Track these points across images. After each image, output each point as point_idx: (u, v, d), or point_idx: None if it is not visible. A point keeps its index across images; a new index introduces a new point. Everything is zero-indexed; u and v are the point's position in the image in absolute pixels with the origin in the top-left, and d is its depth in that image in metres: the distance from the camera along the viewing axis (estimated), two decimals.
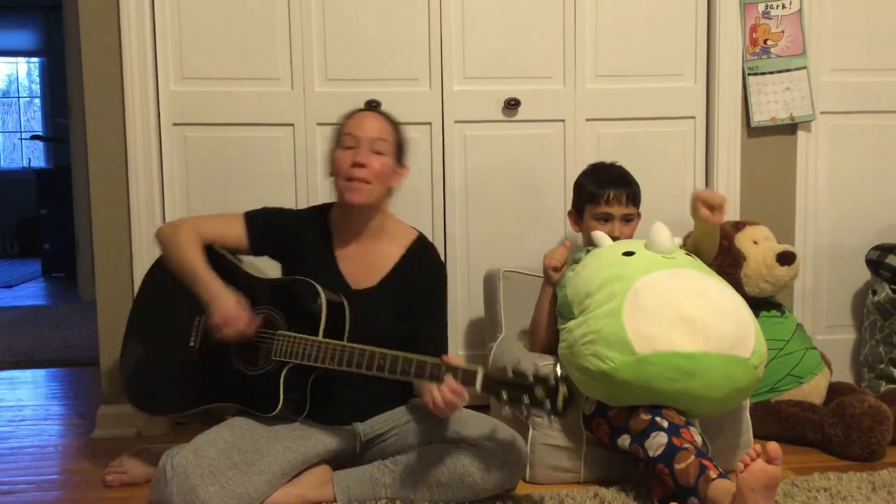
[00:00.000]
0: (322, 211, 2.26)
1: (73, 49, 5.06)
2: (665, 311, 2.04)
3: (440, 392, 1.84)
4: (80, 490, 2.25)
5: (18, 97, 9.37)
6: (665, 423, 1.99)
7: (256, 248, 2.22)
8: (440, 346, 2.15)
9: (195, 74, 2.71)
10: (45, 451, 2.61)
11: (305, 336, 1.99)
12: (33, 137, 8.83)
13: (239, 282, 2.12)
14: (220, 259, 2.17)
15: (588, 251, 2.37)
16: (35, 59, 9.14)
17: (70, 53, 5.29)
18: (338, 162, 2.12)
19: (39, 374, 3.69)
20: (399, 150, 2.18)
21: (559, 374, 1.80)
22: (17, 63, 9.28)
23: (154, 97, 2.67)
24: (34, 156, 9.21)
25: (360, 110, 2.25)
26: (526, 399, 1.78)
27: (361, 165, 2.08)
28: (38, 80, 9.21)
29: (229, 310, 2.00)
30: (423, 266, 2.20)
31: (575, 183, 2.58)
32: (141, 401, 2.20)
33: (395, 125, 2.20)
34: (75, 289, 5.91)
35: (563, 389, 1.78)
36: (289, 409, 2.03)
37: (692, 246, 2.34)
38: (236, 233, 2.19)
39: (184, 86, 2.71)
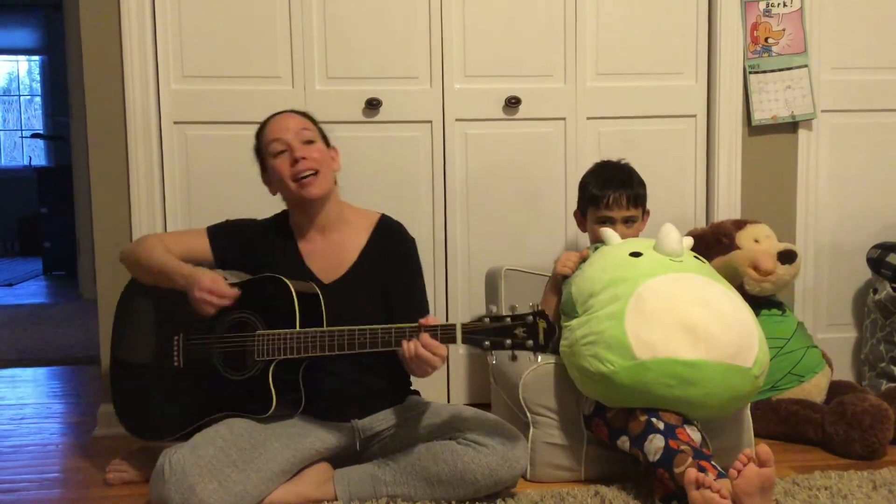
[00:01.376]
0: (281, 217, 2.26)
1: (73, 47, 5.07)
2: (668, 317, 2.03)
3: (413, 345, 1.86)
4: (81, 488, 2.25)
5: (19, 95, 9.38)
6: (661, 425, 1.99)
7: (221, 261, 2.23)
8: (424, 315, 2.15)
9: (196, 73, 2.71)
10: (47, 449, 2.61)
11: (282, 331, 1.99)
12: (34, 136, 8.84)
13: None
14: None
15: (596, 248, 2.37)
16: (36, 58, 9.15)
17: (71, 52, 5.30)
18: (279, 170, 2.11)
19: (40, 372, 3.69)
20: (323, 135, 2.20)
21: (535, 308, 1.80)
22: (17, 61, 9.29)
23: (155, 95, 2.67)
24: (35, 154, 9.22)
25: (269, 118, 2.21)
26: (508, 342, 1.80)
27: (303, 158, 2.09)
28: (38, 78, 9.22)
29: (203, 283, 2.00)
30: (391, 244, 2.20)
31: (580, 183, 2.57)
32: (143, 431, 2.21)
33: (305, 114, 2.21)
34: (76, 287, 5.92)
35: (541, 324, 1.79)
36: (285, 407, 2.04)
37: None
38: (200, 247, 2.21)
39: (184, 84, 2.71)
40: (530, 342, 1.79)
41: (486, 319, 1.83)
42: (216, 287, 2.01)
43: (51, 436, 2.74)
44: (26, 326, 4.73)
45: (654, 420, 2.01)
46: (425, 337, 1.86)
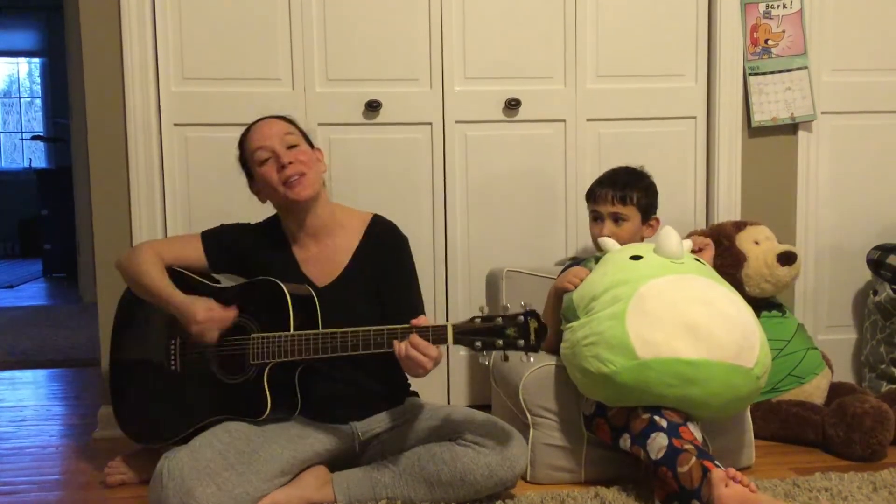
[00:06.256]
0: (273, 222, 2.25)
1: (74, 50, 5.07)
2: (670, 317, 2.03)
3: (404, 346, 1.85)
4: (81, 490, 2.25)
5: (20, 97, 9.39)
6: (664, 423, 1.99)
7: (215, 267, 2.23)
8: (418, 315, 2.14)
9: (196, 75, 2.71)
10: (46, 451, 2.61)
11: (276, 334, 1.99)
12: (34, 138, 8.85)
13: (203, 294, 2.12)
14: (181, 277, 2.17)
15: (598, 258, 2.37)
16: (36, 60, 9.16)
17: (71, 54, 5.30)
18: (266, 177, 2.10)
19: (40, 374, 3.69)
20: (306, 136, 2.19)
21: (526, 308, 1.80)
22: (18, 63, 9.30)
23: (155, 97, 2.67)
24: (35, 156, 9.23)
25: (251, 126, 2.20)
26: (499, 342, 1.79)
27: (290, 163, 2.08)
28: (39, 80, 9.22)
29: (199, 316, 2.01)
30: (383, 244, 2.19)
31: None
32: (142, 436, 2.22)
33: (287, 118, 2.20)
34: (76, 289, 5.92)
35: (532, 323, 1.78)
36: (281, 410, 2.04)
37: None
38: (195, 253, 2.21)
39: (184, 86, 2.71)
40: (521, 342, 1.78)
41: (477, 320, 1.82)
42: (213, 315, 2.02)
43: (51, 438, 2.74)
44: (26, 328, 4.73)
45: (656, 418, 2.01)
46: (414, 337, 1.85)
